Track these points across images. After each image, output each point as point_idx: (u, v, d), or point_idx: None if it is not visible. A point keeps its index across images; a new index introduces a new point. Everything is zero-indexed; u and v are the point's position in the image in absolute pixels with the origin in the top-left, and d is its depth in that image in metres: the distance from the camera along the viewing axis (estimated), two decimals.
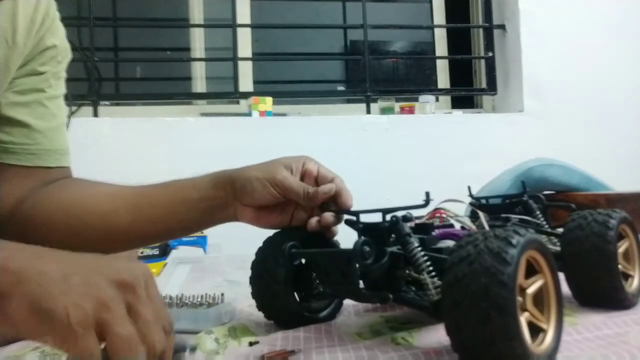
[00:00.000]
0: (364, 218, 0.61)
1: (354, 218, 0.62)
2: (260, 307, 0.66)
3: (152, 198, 0.69)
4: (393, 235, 0.57)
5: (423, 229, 0.62)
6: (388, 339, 0.57)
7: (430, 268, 0.54)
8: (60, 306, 0.34)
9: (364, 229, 0.60)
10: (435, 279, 0.53)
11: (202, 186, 0.67)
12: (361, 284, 0.57)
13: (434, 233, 0.62)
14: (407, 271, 0.56)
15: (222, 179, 0.67)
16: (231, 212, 0.67)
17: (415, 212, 0.60)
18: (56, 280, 0.35)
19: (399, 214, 0.57)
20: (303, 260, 0.65)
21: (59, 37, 0.75)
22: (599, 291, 0.65)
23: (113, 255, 0.42)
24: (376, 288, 0.56)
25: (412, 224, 0.61)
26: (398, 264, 0.56)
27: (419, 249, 0.54)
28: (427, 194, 0.56)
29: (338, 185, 0.66)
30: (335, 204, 0.66)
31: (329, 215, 0.64)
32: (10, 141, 0.70)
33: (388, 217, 0.58)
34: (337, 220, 0.65)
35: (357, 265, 0.55)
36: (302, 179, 0.67)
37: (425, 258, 0.54)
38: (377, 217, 0.59)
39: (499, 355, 0.43)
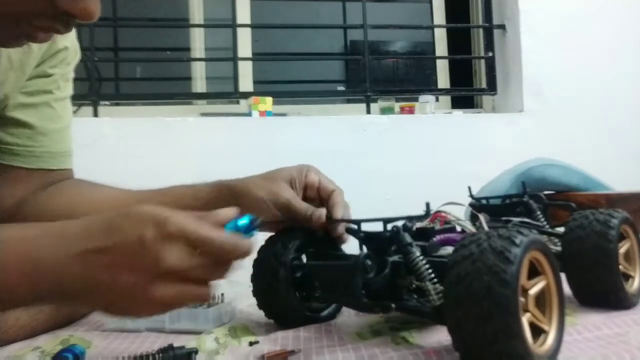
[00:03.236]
0: (366, 223, 0.61)
1: (355, 227, 0.62)
2: (261, 305, 0.66)
3: (152, 203, 0.68)
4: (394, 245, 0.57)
5: (424, 233, 0.61)
6: (388, 339, 0.57)
7: (432, 275, 0.53)
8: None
9: (365, 238, 0.60)
10: (437, 285, 0.52)
11: (204, 196, 0.67)
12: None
13: (435, 239, 0.62)
14: (409, 278, 0.55)
15: (224, 191, 0.67)
16: None
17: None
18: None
19: (400, 223, 0.57)
20: (304, 259, 0.65)
21: (69, 38, 0.76)
22: (600, 290, 0.65)
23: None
24: (378, 297, 0.56)
25: (413, 228, 0.61)
26: (400, 273, 0.56)
27: (421, 257, 0.54)
28: (428, 204, 0.57)
29: (335, 199, 0.68)
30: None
31: (339, 227, 0.65)
32: (14, 143, 0.70)
33: (389, 225, 0.58)
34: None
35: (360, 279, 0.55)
36: (304, 190, 0.68)
37: (427, 266, 0.54)
38: (379, 221, 0.59)
39: (500, 354, 0.43)
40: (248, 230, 0.46)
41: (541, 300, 0.50)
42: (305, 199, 0.68)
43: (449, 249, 0.60)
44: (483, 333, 0.43)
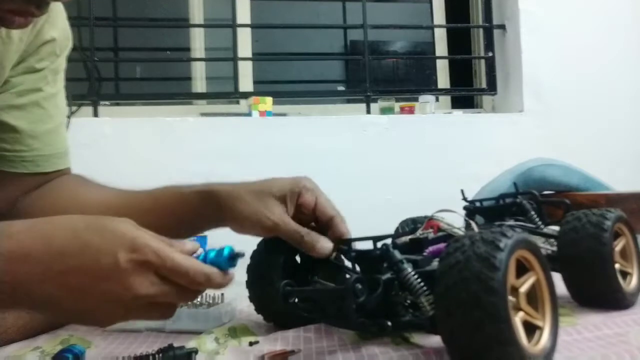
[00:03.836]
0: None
1: (346, 247, 0.62)
2: (258, 310, 0.66)
3: (140, 210, 0.66)
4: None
5: (417, 244, 0.61)
6: (388, 339, 0.58)
7: (425, 288, 0.53)
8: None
9: (356, 257, 0.60)
10: (430, 297, 0.52)
11: (190, 200, 0.64)
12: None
13: (427, 250, 0.61)
14: (402, 293, 0.55)
15: (211, 197, 0.63)
16: (221, 225, 0.65)
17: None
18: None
19: (389, 241, 0.57)
20: (298, 259, 0.64)
21: (58, 26, 0.70)
22: (597, 293, 0.65)
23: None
24: (374, 316, 0.55)
25: (406, 239, 0.60)
26: (394, 290, 0.55)
27: (412, 273, 0.54)
28: (414, 221, 0.55)
29: (338, 225, 0.63)
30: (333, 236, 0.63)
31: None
32: (3, 148, 0.67)
33: (379, 243, 0.58)
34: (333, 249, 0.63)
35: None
36: (297, 208, 0.63)
37: (419, 280, 0.53)
38: (369, 240, 0.59)
39: None
40: (229, 260, 0.46)
41: (533, 296, 0.49)
42: (298, 217, 0.63)
43: None
44: (476, 342, 0.43)
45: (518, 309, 0.47)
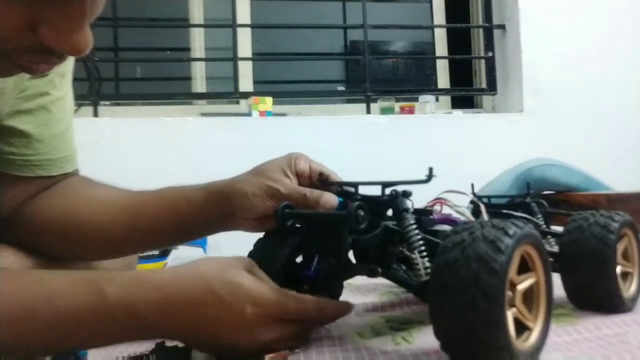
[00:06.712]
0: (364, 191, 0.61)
1: (352, 189, 0.61)
2: None
3: (147, 208, 0.67)
4: (390, 211, 0.56)
5: (422, 213, 0.60)
6: (388, 339, 0.57)
7: (423, 248, 0.52)
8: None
9: (361, 201, 0.58)
10: (426, 260, 0.52)
11: (196, 201, 0.65)
12: (353, 259, 0.56)
13: (432, 217, 0.61)
14: (400, 248, 0.54)
15: (216, 194, 0.65)
16: (229, 225, 0.66)
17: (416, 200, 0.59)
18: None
19: (400, 188, 0.56)
20: (298, 260, 0.64)
21: None
22: (595, 295, 0.64)
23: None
24: (366, 261, 0.55)
25: (412, 206, 0.60)
26: (391, 240, 0.54)
27: (414, 226, 0.53)
28: (431, 169, 0.55)
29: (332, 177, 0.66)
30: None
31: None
32: (10, 152, 0.66)
33: (388, 191, 0.57)
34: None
35: (349, 234, 0.54)
36: (297, 179, 0.66)
37: (419, 237, 0.53)
38: (378, 185, 0.59)
39: (480, 344, 0.43)
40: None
41: (529, 297, 0.49)
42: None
43: (445, 227, 0.60)
44: (465, 320, 0.42)
45: (512, 305, 0.46)
